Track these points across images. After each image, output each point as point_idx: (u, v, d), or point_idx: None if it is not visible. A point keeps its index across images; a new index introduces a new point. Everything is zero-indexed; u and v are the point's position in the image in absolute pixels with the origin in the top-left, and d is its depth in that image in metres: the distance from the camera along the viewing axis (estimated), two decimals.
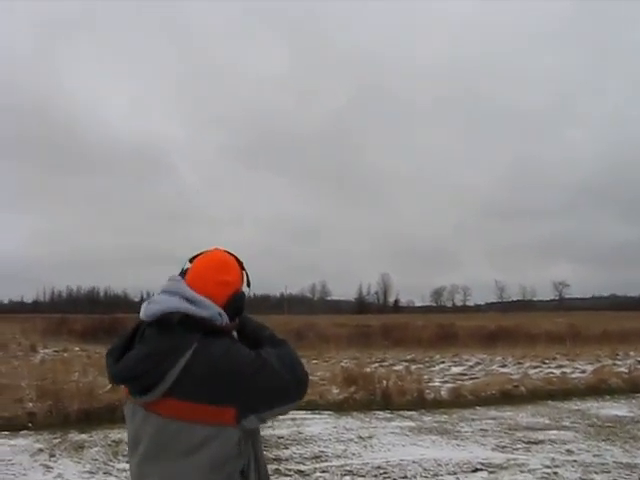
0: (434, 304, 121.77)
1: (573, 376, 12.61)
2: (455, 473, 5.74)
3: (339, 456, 6.38)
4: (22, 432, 7.44)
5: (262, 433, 1.71)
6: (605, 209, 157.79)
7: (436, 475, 5.68)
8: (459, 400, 10.08)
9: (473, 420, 8.47)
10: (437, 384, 11.47)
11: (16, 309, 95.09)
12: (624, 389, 11.35)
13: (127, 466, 1.65)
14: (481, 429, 7.80)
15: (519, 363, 15.16)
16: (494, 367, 14.63)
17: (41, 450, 6.54)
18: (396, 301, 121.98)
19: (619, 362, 15.13)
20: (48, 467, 5.90)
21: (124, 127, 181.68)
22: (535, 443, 6.96)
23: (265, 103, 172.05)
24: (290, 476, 5.65)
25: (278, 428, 7.55)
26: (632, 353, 17.06)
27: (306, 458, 6.29)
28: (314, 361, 15.52)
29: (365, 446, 6.84)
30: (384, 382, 10.24)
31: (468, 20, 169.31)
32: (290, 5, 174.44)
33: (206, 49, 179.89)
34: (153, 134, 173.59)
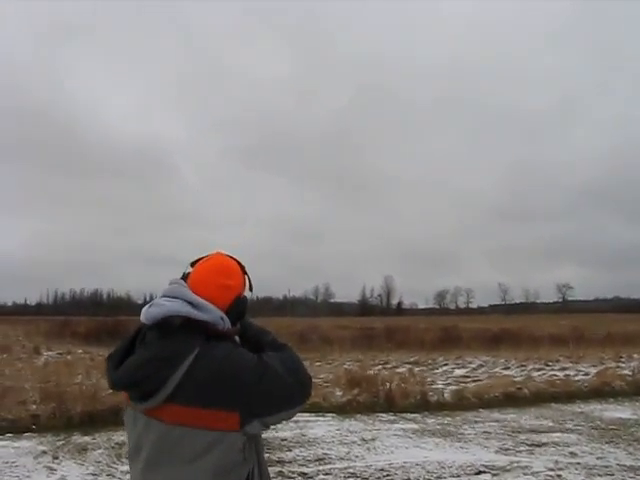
0: (437, 306, 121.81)
1: (576, 378, 12.58)
2: (458, 476, 5.73)
3: (342, 458, 6.37)
4: (26, 434, 7.46)
5: (265, 435, 1.71)
6: (609, 211, 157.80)
7: (439, 478, 5.67)
8: (462, 402, 10.06)
9: (476, 422, 8.45)
10: (440, 386, 11.45)
11: (19, 311, 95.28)
12: (628, 392, 11.31)
13: None
14: (484, 431, 7.79)
15: (522, 365, 15.11)
16: (497, 369, 14.59)
17: (44, 452, 6.56)
18: (399, 303, 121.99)
19: (623, 364, 15.06)
20: (51, 469, 5.91)
21: (125, 128, 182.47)
22: (538, 446, 6.94)
23: (266, 104, 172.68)
24: (293, 478, 5.65)
25: (281, 430, 7.54)
26: (636, 355, 16.97)
27: (309, 460, 6.29)
28: (317, 363, 15.52)
29: (368, 448, 6.83)
30: (387, 384, 10.23)
31: (469, 20, 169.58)
32: (290, 5, 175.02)
33: (207, 50, 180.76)
34: (154, 135, 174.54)
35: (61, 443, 7.02)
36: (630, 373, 12.75)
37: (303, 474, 5.77)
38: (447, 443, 7.13)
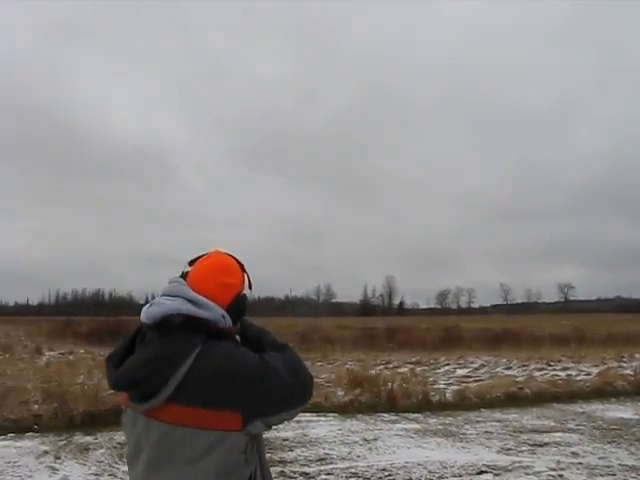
0: (439, 306, 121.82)
1: (578, 378, 12.57)
2: (460, 475, 5.73)
3: (344, 458, 6.37)
4: (28, 434, 7.47)
5: (266, 436, 1.71)
6: (610, 211, 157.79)
7: (441, 477, 5.67)
8: (464, 402, 10.06)
9: (478, 422, 8.45)
10: (442, 386, 11.45)
11: (21, 311, 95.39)
12: (629, 391, 11.31)
13: None
14: (486, 431, 7.78)
15: (524, 365, 15.10)
16: (499, 369, 14.59)
17: (47, 452, 6.57)
18: (401, 303, 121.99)
19: (624, 364, 15.05)
20: (54, 469, 5.92)
21: (125, 128, 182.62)
22: (540, 445, 6.93)
23: (266, 104, 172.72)
24: (295, 479, 5.65)
25: (283, 430, 7.54)
26: (637, 355, 16.97)
27: (311, 460, 6.29)
28: (319, 363, 15.53)
29: (370, 448, 6.83)
30: (389, 384, 10.23)
31: (469, 20, 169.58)
32: (291, 5, 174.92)
33: (207, 50, 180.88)
34: (154, 135, 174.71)
35: (63, 443, 7.03)
36: (632, 373, 12.73)
37: (305, 474, 5.77)
38: (449, 443, 7.13)
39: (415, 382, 11.16)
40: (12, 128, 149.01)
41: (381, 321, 44.62)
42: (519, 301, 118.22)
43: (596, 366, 14.69)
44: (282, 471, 5.81)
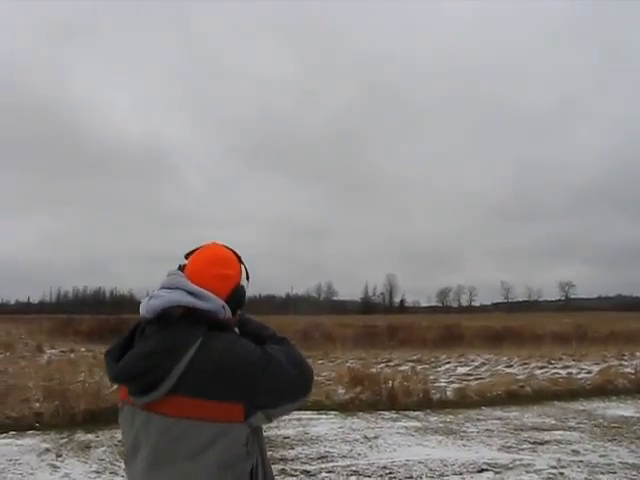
0: (440, 304, 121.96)
1: (579, 376, 12.58)
2: (461, 473, 5.73)
3: (345, 456, 6.37)
4: (29, 432, 7.48)
5: (268, 433, 1.72)
6: (610, 210, 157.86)
7: (442, 475, 5.67)
8: (465, 400, 10.06)
9: (479, 420, 8.45)
10: (443, 384, 11.45)
11: (22, 310, 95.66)
12: (630, 390, 11.30)
13: None
14: (487, 429, 7.79)
15: (525, 363, 15.11)
16: (500, 367, 14.59)
17: (48, 450, 6.57)
18: (402, 301, 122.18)
19: (625, 362, 15.05)
20: (55, 467, 5.93)
21: (126, 128, 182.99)
22: (541, 443, 6.93)
23: (267, 104, 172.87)
24: (296, 476, 5.65)
25: (284, 428, 7.55)
26: (638, 353, 16.97)
27: (312, 458, 6.29)
28: (320, 361, 15.54)
29: (371, 446, 6.84)
30: (390, 382, 10.22)
31: (469, 20, 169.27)
32: (291, 5, 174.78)
33: (208, 50, 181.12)
34: (155, 135, 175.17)
35: (64, 441, 7.04)
36: (633, 371, 12.71)
37: (306, 472, 5.77)
38: (450, 441, 7.13)
39: (416, 380, 11.14)
40: (13, 128, 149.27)
41: (382, 319, 44.64)
42: (520, 299, 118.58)
43: (597, 364, 14.69)
44: (283, 469, 5.81)
